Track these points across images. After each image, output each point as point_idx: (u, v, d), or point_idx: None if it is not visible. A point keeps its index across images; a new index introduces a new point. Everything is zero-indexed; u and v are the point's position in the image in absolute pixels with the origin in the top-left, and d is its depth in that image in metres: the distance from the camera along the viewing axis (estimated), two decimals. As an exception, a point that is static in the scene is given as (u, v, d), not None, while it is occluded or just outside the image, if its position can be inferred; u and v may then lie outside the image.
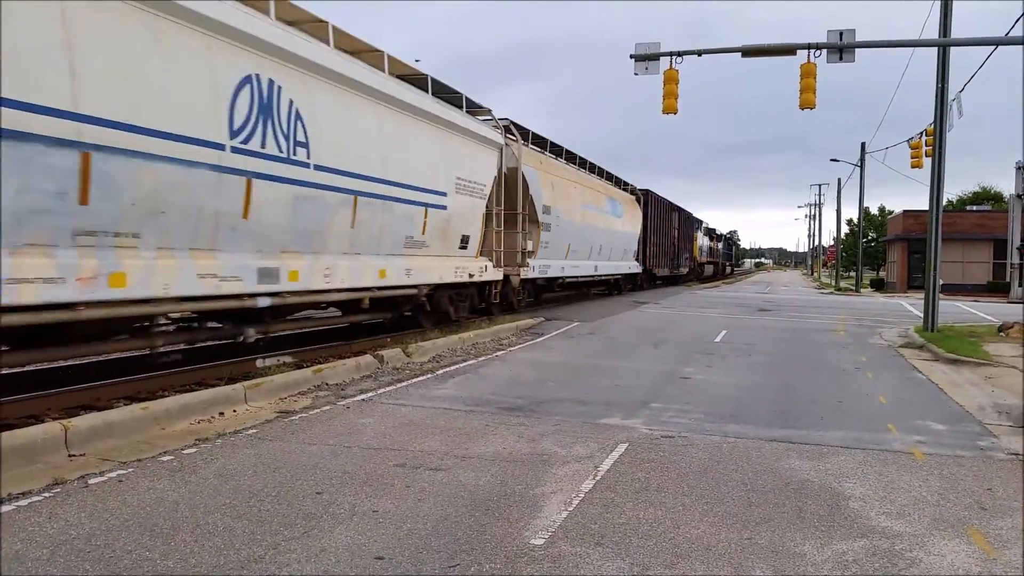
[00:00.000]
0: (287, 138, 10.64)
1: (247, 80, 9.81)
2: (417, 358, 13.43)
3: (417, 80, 14.92)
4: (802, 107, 18.51)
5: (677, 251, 47.44)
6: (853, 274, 62.56)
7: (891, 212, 77.05)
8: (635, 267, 37.16)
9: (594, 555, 4.97)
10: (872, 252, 79.46)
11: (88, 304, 7.85)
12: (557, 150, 26.07)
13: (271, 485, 6.20)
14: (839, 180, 75.16)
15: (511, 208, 20.00)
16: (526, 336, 17.91)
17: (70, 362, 12.04)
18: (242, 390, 9.35)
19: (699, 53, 19.22)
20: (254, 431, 8.03)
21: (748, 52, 18.95)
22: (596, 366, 13.43)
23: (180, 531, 5.17)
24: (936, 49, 19.42)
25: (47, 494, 5.79)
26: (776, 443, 8.12)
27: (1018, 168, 39.54)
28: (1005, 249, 44.40)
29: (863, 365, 14.47)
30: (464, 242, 17.08)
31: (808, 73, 18.22)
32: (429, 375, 11.97)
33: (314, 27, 11.63)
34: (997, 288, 45.78)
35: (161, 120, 8.47)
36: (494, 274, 19.05)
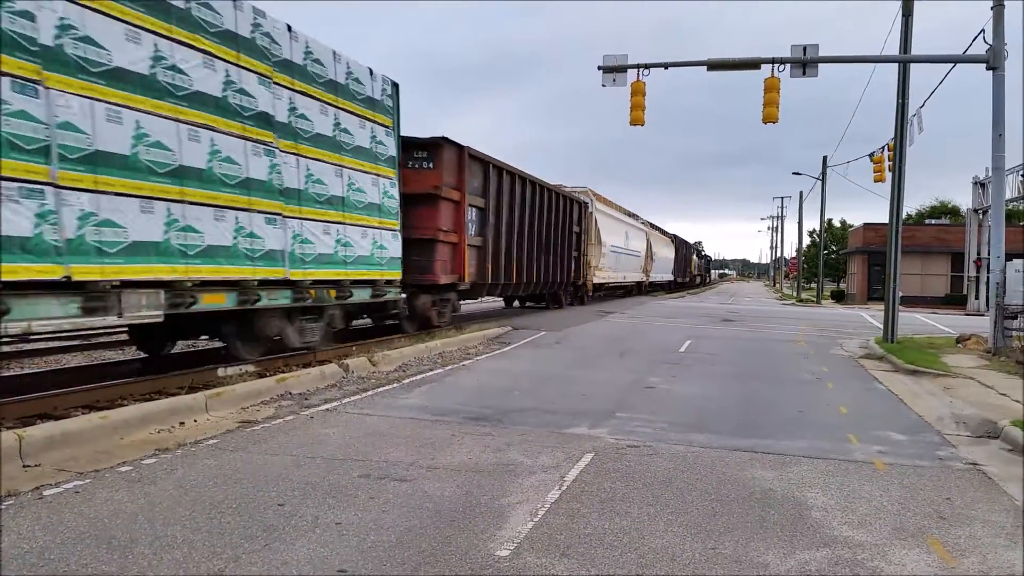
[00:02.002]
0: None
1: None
2: (383, 367, 13.34)
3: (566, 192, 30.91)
4: (765, 121, 18.82)
5: (686, 266, 77.21)
6: (814, 285, 63.46)
7: (851, 225, 78.36)
8: (665, 275, 59.90)
9: (559, 566, 4.96)
10: (833, 264, 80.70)
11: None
12: (607, 202, 38.79)
13: (232, 496, 6.10)
14: (801, 193, 76.42)
15: (587, 240, 33.06)
16: (493, 345, 17.88)
17: (27, 370, 11.80)
18: (203, 399, 9.21)
19: (665, 66, 19.44)
20: (215, 441, 7.90)
21: (713, 66, 19.19)
22: (563, 375, 13.44)
23: (138, 544, 5.06)
24: (897, 65, 19.82)
25: (0, 506, 5.64)
26: (740, 452, 8.18)
27: (975, 183, 40.48)
28: (963, 262, 45.42)
29: (824, 375, 14.66)
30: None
31: (772, 87, 18.52)
32: (395, 384, 11.89)
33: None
34: (955, 300, 46.75)
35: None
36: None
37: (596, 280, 34.92)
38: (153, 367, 12.05)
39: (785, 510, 6.28)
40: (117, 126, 9.08)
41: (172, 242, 9.90)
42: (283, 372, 11.65)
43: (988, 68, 17.68)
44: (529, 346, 18.00)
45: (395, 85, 15.60)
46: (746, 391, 12.48)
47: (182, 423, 8.57)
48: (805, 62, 18.30)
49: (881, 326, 21.55)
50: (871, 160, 27.97)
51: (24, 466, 6.62)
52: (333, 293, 13.69)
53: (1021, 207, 51.81)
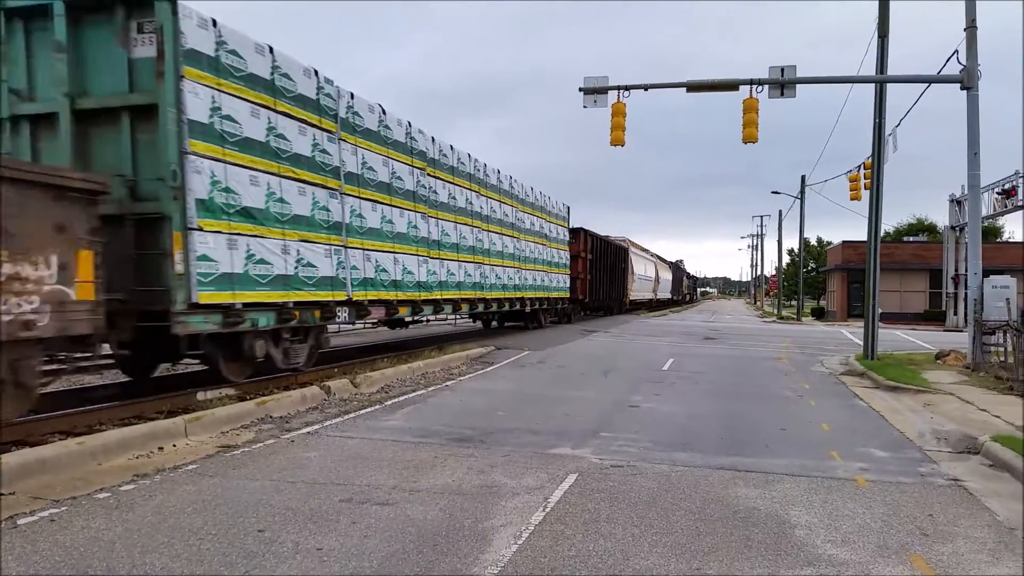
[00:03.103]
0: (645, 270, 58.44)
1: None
2: (365, 389, 13.26)
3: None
4: (745, 141, 18.99)
5: (679, 286, 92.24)
6: (795, 303, 63.87)
7: (829, 243, 79.06)
8: (667, 295, 75.84)
9: (544, 589, 4.91)
10: (812, 281, 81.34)
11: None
12: (636, 245, 58.88)
13: (211, 523, 6.01)
14: (780, 212, 77.26)
15: (627, 272, 49.66)
16: (476, 365, 17.83)
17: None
18: (183, 424, 9.10)
19: (646, 87, 19.60)
20: (194, 466, 7.80)
21: (693, 87, 19.39)
22: (546, 395, 13.41)
23: (116, 572, 4.97)
24: (874, 86, 20.09)
25: (-28, 536, 5.52)
26: (723, 471, 8.17)
27: (951, 201, 40.97)
28: (941, 279, 45.85)
29: (806, 393, 14.71)
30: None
31: (750, 108, 18.71)
32: (377, 406, 11.81)
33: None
34: (934, 316, 47.16)
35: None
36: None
37: (631, 298, 51.52)
38: (133, 391, 11.91)
39: (769, 528, 6.27)
40: (255, 187, 11.86)
41: (300, 275, 12.79)
42: (264, 395, 11.54)
43: (962, 88, 17.96)
44: (512, 366, 17.96)
45: (568, 208, 33.76)
46: (729, 409, 12.50)
47: (161, 448, 8.47)
48: (783, 83, 18.52)
49: (861, 343, 21.68)
50: (848, 179, 28.29)
51: (-2, 494, 6.50)
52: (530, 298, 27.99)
53: (998, 223, 52.30)
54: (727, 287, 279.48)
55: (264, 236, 11.84)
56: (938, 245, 48.64)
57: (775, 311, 68.42)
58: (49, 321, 8.30)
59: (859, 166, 26.88)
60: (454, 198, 19.98)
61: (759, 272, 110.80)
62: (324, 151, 13.66)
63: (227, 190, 11.09)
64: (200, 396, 11.10)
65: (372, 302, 15.36)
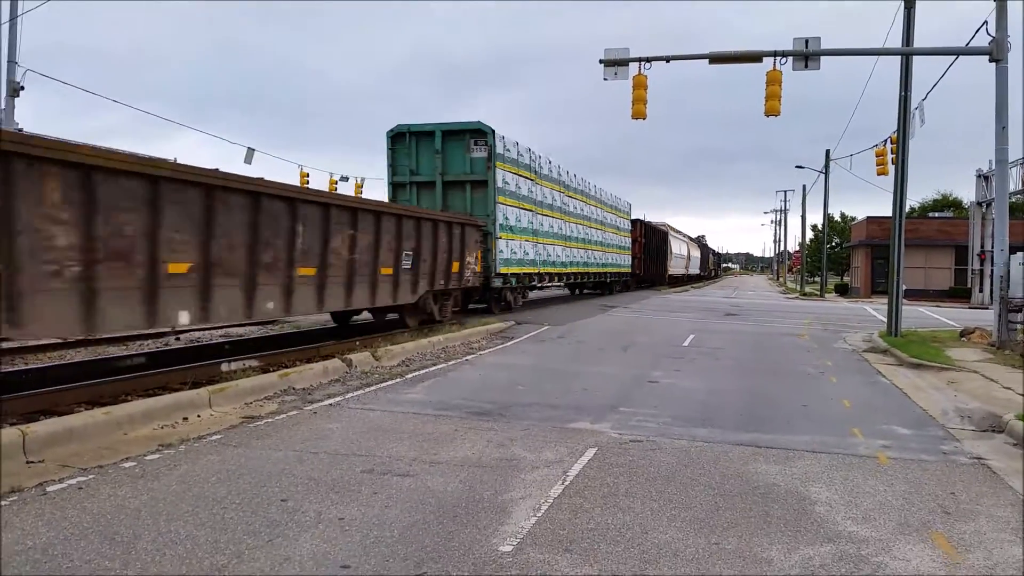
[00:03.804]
0: (679, 249, 67.38)
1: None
2: (386, 362, 13.34)
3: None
4: (767, 114, 18.75)
5: (706, 263, 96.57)
6: (818, 279, 63.36)
7: (853, 218, 78.14)
8: (696, 271, 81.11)
9: (562, 562, 4.95)
10: (836, 257, 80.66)
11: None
12: (672, 228, 66.72)
13: (235, 492, 6.10)
14: (804, 187, 76.11)
15: (666, 251, 57.40)
16: (496, 340, 17.88)
17: (31, 366, 11.81)
18: (207, 395, 9.21)
19: (667, 59, 19.37)
20: (218, 437, 7.90)
21: (715, 59, 19.12)
22: (566, 370, 13.44)
23: (141, 539, 5.06)
24: (899, 58, 19.73)
25: (3, 503, 5.64)
26: (743, 447, 8.17)
27: (978, 176, 40.35)
28: (967, 255, 45.34)
29: (828, 369, 14.64)
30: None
31: (774, 80, 18.45)
32: (398, 379, 11.89)
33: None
34: (959, 294, 46.66)
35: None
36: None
37: (669, 273, 58.45)
38: (157, 363, 12.07)
39: (789, 505, 6.26)
40: (514, 216, 23.83)
41: (524, 259, 24.62)
42: (287, 367, 11.66)
43: (991, 60, 17.58)
44: (532, 340, 18.00)
45: (630, 204, 44.61)
46: (750, 385, 12.47)
47: (185, 419, 8.58)
48: (807, 55, 18.22)
49: (885, 320, 21.50)
50: (875, 154, 27.89)
51: (28, 462, 6.64)
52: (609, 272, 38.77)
53: (1025, 200, 51.52)
54: (749, 263, 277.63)
55: (517, 240, 23.79)
56: (964, 221, 48.02)
57: (798, 287, 67.96)
58: (473, 281, 20.51)
59: (885, 140, 26.48)
60: (578, 209, 32.18)
61: (782, 248, 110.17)
62: (530, 191, 25.40)
63: (506, 218, 22.76)
64: (224, 368, 11.23)
65: (542, 275, 27.23)
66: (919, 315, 30.32)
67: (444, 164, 21.69)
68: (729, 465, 7.44)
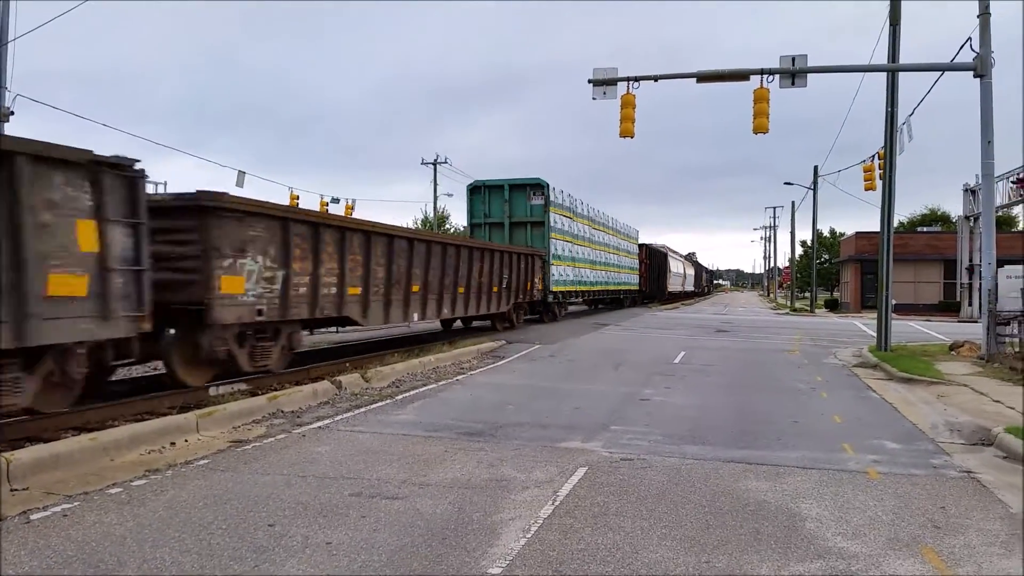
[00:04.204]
0: (677, 267, 74.21)
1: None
2: (376, 383, 13.29)
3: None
4: (755, 131, 18.89)
5: (699, 280, 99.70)
6: (808, 295, 63.54)
7: (842, 234, 78.50)
8: (691, 287, 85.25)
9: (552, 583, 4.91)
10: (826, 273, 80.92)
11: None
12: (671, 249, 73.14)
13: (222, 517, 6.05)
14: (793, 203, 76.60)
15: (665, 270, 62.01)
16: (487, 359, 17.85)
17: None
18: (194, 419, 9.15)
19: (655, 79, 19.51)
20: (206, 461, 7.85)
21: (703, 78, 19.28)
22: (557, 389, 13.41)
23: (126, 567, 5.01)
24: (885, 75, 19.92)
25: (-14, 531, 5.57)
26: (734, 464, 8.15)
27: (965, 190, 40.62)
28: (955, 269, 45.49)
29: (818, 385, 14.65)
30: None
31: (761, 98, 18.59)
32: (388, 400, 11.84)
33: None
34: (948, 307, 46.83)
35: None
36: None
37: (669, 290, 63.37)
38: (143, 389, 11.98)
39: (779, 522, 6.25)
40: (562, 247, 30.72)
41: (567, 280, 31.42)
42: (275, 390, 11.60)
43: (976, 76, 17.78)
44: (523, 360, 17.97)
45: (637, 231, 51.08)
46: (740, 402, 12.46)
47: (173, 443, 8.52)
48: (794, 72, 18.38)
49: (875, 334, 21.56)
50: (863, 169, 28.08)
51: (12, 490, 6.56)
52: (622, 290, 44.98)
53: (1013, 213, 51.85)
54: (740, 279, 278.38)
55: (563, 266, 30.27)
56: (952, 235, 48.24)
57: (788, 303, 68.15)
58: (538, 296, 27.54)
59: (873, 156, 26.65)
60: (601, 238, 38.36)
61: (772, 264, 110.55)
62: (570, 227, 31.65)
63: (556, 249, 29.09)
64: (212, 391, 11.16)
65: (577, 292, 33.99)
66: (909, 329, 30.42)
67: (510, 209, 28.65)
68: (720, 482, 7.42)
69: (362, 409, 11.06)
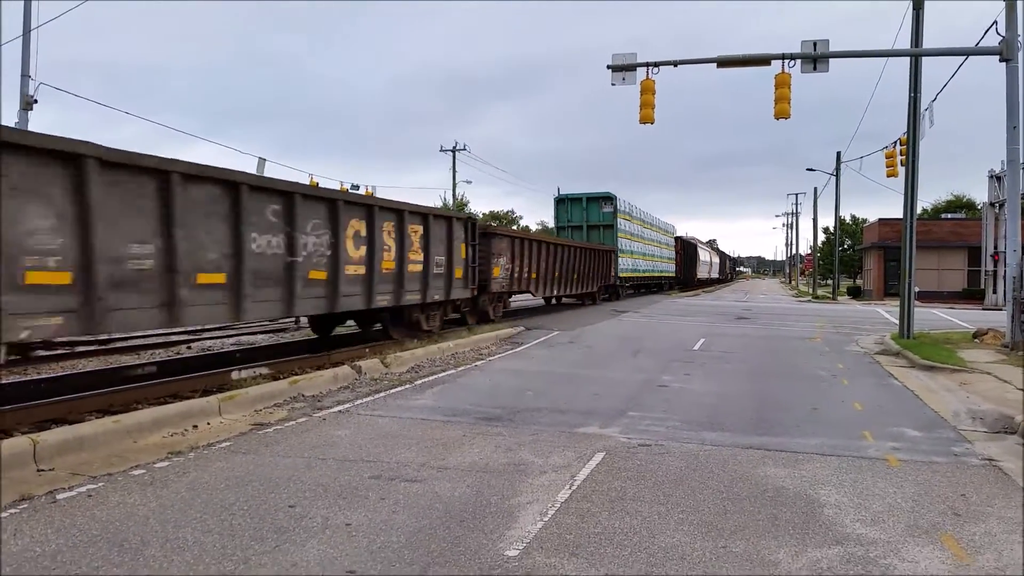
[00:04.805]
0: (704, 256, 79.73)
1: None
2: (395, 368, 13.37)
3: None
4: (777, 117, 18.70)
5: (723, 268, 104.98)
6: (830, 282, 63.05)
7: (864, 221, 77.72)
8: (716, 275, 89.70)
9: (568, 566, 4.95)
10: (848, 260, 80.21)
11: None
12: (698, 240, 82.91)
13: (243, 498, 6.13)
14: (815, 189, 76.10)
15: (695, 258, 69.00)
16: (506, 345, 17.89)
17: (42, 375, 11.90)
18: (216, 402, 9.26)
19: (675, 64, 19.37)
20: (228, 444, 7.94)
21: (723, 63, 19.13)
22: (575, 375, 13.43)
23: (149, 546, 5.09)
24: (908, 60, 19.66)
25: (13, 510, 5.69)
26: (752, 450, 8.14)
27: (991, 176, 40.08)
28: (979, 256, 45.00)
29: (839, 372, 14.56)
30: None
31: (782, 83, 18.41)
32: (407, 385, 11.91)
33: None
34: (972, 295, 46.32)
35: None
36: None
37: (698, 277, 68.63)
38: (167, 372, 12.14)
39: (797, 507, 6.24)
40: (625, 243, 40.73)
41: (629, 268, 41.54)
42: (296, 374, 11.71)
43: (1001, 60, 17.49)
44: (542, 346, 17.99)
45: (674, 226, 61.51)
46: (760, 389, 12.42)
47: (195, 426, 8.63)
48: (815, 57, 18.19)
49: (897, 322, 21.37)
50: (885, 156, 27.75)
51: (38, 470, 6.69)
52: (663, 277, 54.52)
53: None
54: (761, 266, 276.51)
55: (625, 258, 39.74)
56: (976, 222, 47.67)
57: (810, 290, 67.67)
58: (612, 281, 38.77)
59: (895, 142, 26.33)
60: (648, 235, 46.26)
61: (794, 251, 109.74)
62: (629, 227, 40.28)
63: (621, 245, 38.74)
64: (234, 375, 11.29)
65: (633, 278, 43.00)
66: (932, 317, 30.11)
67: (587, 215, 37.80)
68: (737, 468, 7.42)
69: (381, 394, 11.14)
